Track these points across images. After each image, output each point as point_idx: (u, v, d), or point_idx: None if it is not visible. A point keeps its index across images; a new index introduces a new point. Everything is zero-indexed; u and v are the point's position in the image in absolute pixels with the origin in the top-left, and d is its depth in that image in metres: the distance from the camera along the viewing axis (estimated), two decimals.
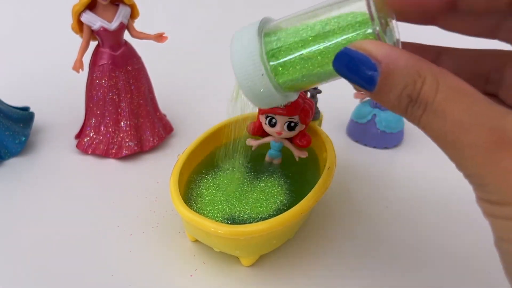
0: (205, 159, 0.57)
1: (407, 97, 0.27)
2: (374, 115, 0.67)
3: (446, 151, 0.28)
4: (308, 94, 0.60)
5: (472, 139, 0.25)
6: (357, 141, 0.70)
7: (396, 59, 0.27)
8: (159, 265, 0.49)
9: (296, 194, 0.52)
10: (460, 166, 0.28)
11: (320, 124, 0.60)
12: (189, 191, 0.53)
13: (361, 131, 0.69)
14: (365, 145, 0.69)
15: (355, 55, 0.28)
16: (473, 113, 0.25)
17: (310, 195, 0.48)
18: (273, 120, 0.51)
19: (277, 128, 0.50)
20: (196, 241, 0.51)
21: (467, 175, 0.27)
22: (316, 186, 0.49)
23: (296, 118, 0.51)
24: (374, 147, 0.68)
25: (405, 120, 0.67)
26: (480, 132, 0.25)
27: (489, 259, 0.49)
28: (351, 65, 0.28)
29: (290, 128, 0.51)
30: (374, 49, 0.27)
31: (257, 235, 0.45)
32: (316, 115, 0.60)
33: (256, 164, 0.57)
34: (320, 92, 0.59)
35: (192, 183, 0.54)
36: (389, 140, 0.68)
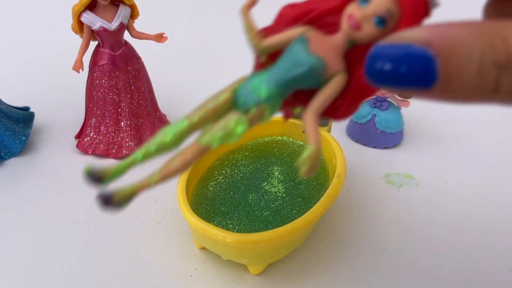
0: (214, 164, 0.57)
1: (492, 66, 0.19)
2: (374, 115, 0.67)
3: None
4: None
5: None
6: (356, 141, 0.70)
7: (448, 28, 0.20)
8: (159, 265, 0.49)
9: (305, 201, 0.52)
10: None
11: (329, 130, 0.60)
12: (197, 197, 0.52)
13: (361, 131, 0.69)
14: (365, 145, 0.69)
15: (389, 52, 0.21)
16: None
17: (320, 203, 0.47)
18: None
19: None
20: (204, 248, 0.51)
21: None
22: (326, 194, 0.48)
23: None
24: (374, 147, 0.68)
25: (404, 120, 0.67)
26: None
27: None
28: (390, 68, 0.20)
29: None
30: (411, 33, 0.21)
31: (266, 244, 0.44)
32: (325, 121, 0.60)
33: (263, 169, 0.57)
34: None
35: (200, 189, 0.54)
36: (389, 140, 0.68)
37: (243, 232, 0.47)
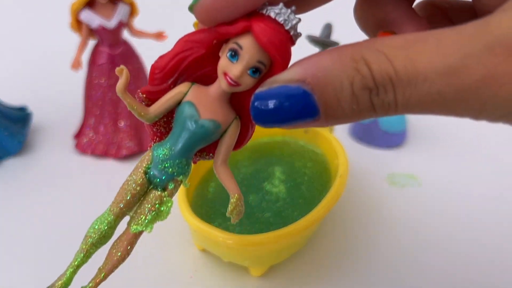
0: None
1: (362, 90, 0.21)
2: None
3: (456, 112, 0.21)
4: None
5: (478, 71, 0.20)
6: (359, 141, 0.70)
7: (317, 63, 0.22)
8: (159, 266, 0.49)
9: (306, 202, 0.52)
10: (486, 111, 0.21)
11: (332, 130, 0.60)
12: (197, 198, 0.53)
13: (364, 131, 0.68)
14: (368, 145, 0.69)
15: (267, 97, 0.23)
16: (451, 49, 0.20)
17: (322, 204, 0.47)
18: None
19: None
20: (204, 250, 0.51)
21: (503, 115, 0.21)
22: (328, 195, 0.48)
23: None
24: (377, 147, 0.68)
25: (408, 120, 0.67)
26: (478, 61, 0.20)
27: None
28: (274, 110, 0.22)
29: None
30: (284, 75, 0.23)
31: (267, 246, 0.44)
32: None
33: (264, 169, 0.57)
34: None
35: (200, 190, 0.54)
36: (392, 140, 0.67)
37: (244, 233, 0.47)
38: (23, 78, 0.84)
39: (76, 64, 0.60)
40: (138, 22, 0.64)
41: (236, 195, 0.29)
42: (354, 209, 0.58)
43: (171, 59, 0.28)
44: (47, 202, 0.57)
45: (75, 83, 0.70)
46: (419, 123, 0.73)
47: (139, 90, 0.29)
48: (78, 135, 0.67)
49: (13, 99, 0.71)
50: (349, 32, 0.71)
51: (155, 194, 0.29)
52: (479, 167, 0.65)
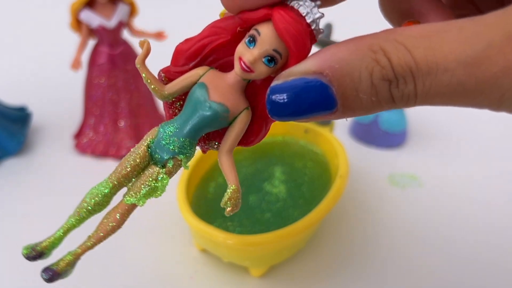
0: (215, 165, 0.57)
1: (381, 81, 0.21)
2: (377, 115, 0.67)
3: (476, 103, 0.21)
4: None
5: (499, 62, 0.19)
6: (360, 141, 0.70)
7: (334, 54, 0.21)
8: (159, 267, 0.50)
9: (307, 202, 0.52)
10: (506, 102, 0.20)
11: (331, 130, 0.61)
12: (197, 199, 0.53)
13: (364, 132, 0.69)
14: (368, 145, 0.69)
15: (283, 90, 0.22)
16: (472, 39, 0.20)
17: (322, 204, 0.47)
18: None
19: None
20: (204, 250, 0.52)
21: None
22: (329, 195, 0.49)
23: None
24: (377, 147, 0.68)
25: (408, 120, 0.67)
26: (499, 51, 0.19)
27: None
28: (291, 103, 0.22)
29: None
30: (301, 67, 0.22)
31: (267, 246, 0.45)
32: (327, 120, 0.59)
33: (264, 169, 0.57)
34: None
35: (200, 190, 0.54)
36: (392, 140, 0.68)
37: (244, 234, 0.47)
38: (23, 78, 0.85)
39: (76, 64, 0.60)
40: (139, 22, 0.64)
41: (233, 185, 0.29)
42: (355, 210, 0.58)
43: (196, 42, 0.29)
44: (46, 202, 0.57)
45: (75, 83, 0.70)
46: (420, 123, 0.73)
47: (160, 70, 0.30)
48: (78, 135, 0.67)
49: (13, 99, 0.71)
50: (349, 32, 0.71)
51: (153, 169, 0.29)
52: (479, 167, 0.65)
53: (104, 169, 0.59)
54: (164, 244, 0.53)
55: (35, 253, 0.31)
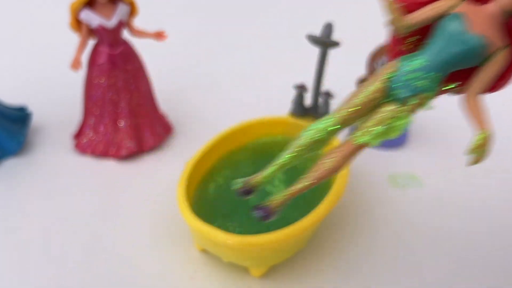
0: (215, 165, 0.58)
1: None
2: None
3: None
4: (320, 100, 0.60)
5: None
6: None
7: None
8: (159, 267, 0.50)
9: (307, 202, 0.51)
10: None
11: None
12: (197, 199, 0.53)
13: None
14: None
15: None
16: None
17: (323, 204, 0.47)
18: None
19: None
20: (204, 250, 0.52)
21: None
22: (329, 195, 0.48)
23: None
24: (377, 147, 0.68)
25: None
26: None
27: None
28: None
29: None
30: None
31: (268, 246, 0.45)
32: None
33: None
34: (332, 97, 0.60)
35: (200, 191, 0.54)
36: (393, 140, 0.66)
37: (244, 234, 0.47)
38: (23, 78, 0.85)
39: (75, 64, 0.60)
40: (139, 21, 0.64)
41: (486, 131, 0.26)
42: (355, 210, 0.58)
43: None
44: (47, 202, 0.58)
45: (75, 83, 0.71)
46: (421, 124, 0.73)
47: (395, 1, 0.27)
48: (78, 135, 0.67)
49: (12, 99, 0.72)
50: (347, 32, 0.71)
51: (391, 107, 0.27)
52: (479, 168, 0.64)
53: (104, 169, 0.63)
54: (164, 244, 0.53)
55: (246, 188, 0.30)
